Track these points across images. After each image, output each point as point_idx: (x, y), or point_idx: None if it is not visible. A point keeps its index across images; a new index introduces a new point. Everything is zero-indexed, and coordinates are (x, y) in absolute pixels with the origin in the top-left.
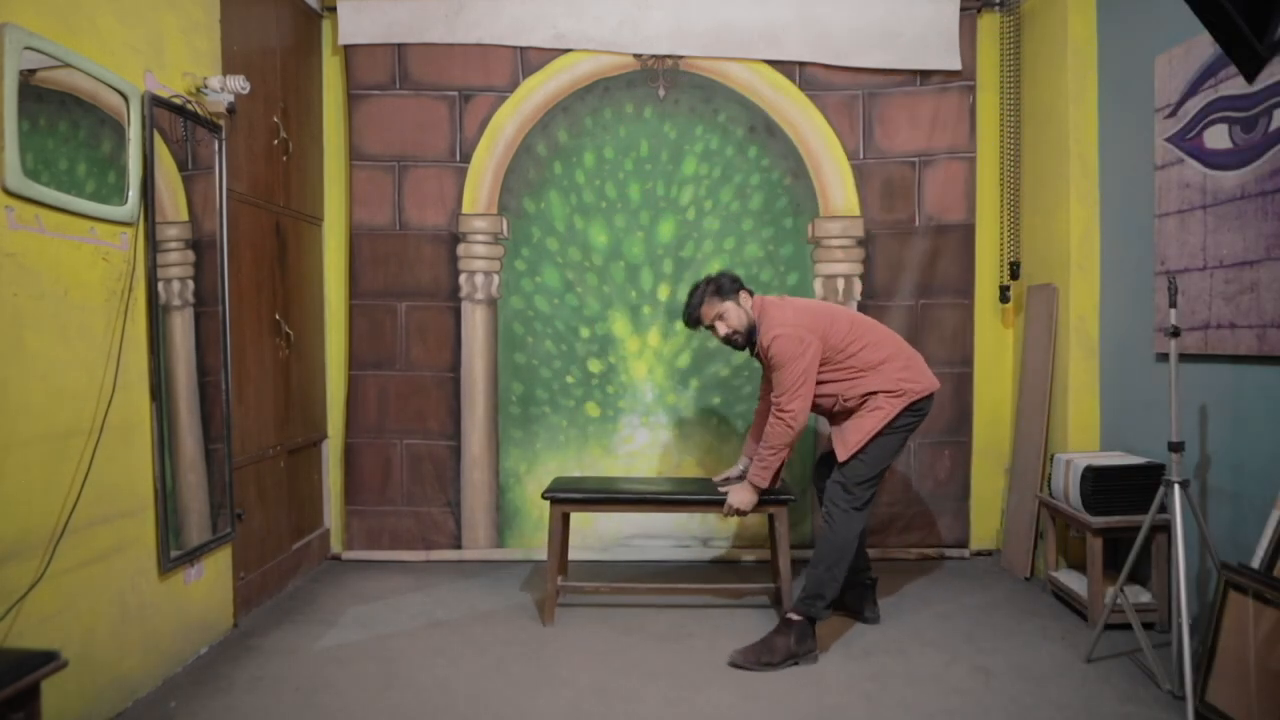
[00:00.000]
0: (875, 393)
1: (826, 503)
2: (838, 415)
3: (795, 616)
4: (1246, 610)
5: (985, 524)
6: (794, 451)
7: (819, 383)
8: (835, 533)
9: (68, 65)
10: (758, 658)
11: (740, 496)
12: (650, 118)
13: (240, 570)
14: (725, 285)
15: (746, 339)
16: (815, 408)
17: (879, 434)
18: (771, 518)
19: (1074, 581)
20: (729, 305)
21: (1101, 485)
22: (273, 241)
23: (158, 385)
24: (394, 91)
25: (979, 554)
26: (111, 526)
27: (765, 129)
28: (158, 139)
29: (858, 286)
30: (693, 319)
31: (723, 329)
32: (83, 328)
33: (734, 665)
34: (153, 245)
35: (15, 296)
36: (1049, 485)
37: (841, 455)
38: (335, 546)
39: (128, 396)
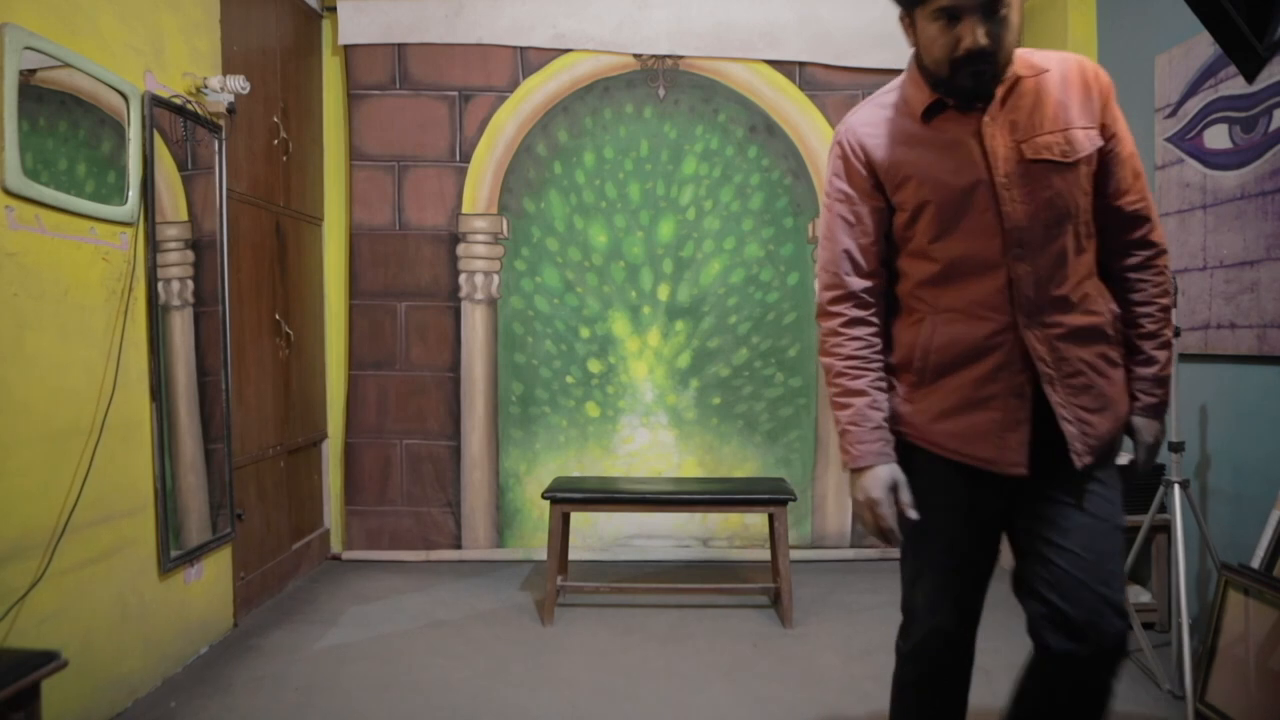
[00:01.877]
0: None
1: (1111, 599)
2: (1080, 368)
3: None
4: (1246, 610)
5: None
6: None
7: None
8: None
9: (68, 65)
10: None
11: (1155, 430)
12: (650, 118)
13: (240, 570)
14: None
15: (1000, 62)
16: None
17: None
18: (771, 517)
19: None
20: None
21: None
22: (273, 241)
23: (158, 385)
24: (394, 91)
25: None
26: (111, 526)
27: (765, 129)
28: (158, 139)
29: None
30: None
31: (1015, 17)
32: (83, 328)
33: None
34: (153, 245)
35: (15, 296)
36: None
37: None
38: (335, 546)
39: (128, 396)
